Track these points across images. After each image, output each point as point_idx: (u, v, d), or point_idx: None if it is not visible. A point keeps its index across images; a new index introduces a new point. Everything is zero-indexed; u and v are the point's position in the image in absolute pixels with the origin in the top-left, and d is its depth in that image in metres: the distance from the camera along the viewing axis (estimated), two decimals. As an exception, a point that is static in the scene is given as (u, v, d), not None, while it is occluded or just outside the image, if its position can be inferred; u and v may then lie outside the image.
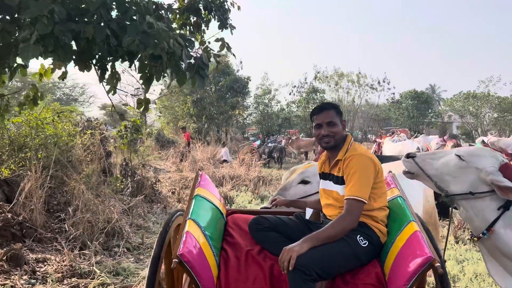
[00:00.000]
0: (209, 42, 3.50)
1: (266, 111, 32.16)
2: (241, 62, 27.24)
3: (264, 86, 32.27)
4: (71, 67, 3.34)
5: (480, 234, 2.40)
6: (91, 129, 8.11)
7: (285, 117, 33.11)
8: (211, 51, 3.34)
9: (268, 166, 17.08)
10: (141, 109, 3.55)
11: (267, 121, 32.13)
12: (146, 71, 3.13)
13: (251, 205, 9.17)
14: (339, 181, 2.41)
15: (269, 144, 19.58)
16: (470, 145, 16.30)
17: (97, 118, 9.52)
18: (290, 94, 33.96)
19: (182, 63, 3.00)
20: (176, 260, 1.94)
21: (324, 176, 2.59)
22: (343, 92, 34.59)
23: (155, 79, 3.17)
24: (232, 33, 4.16)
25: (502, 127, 35.85)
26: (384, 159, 8.37)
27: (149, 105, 3.81)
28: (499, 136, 23.15)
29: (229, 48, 3.58)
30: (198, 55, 3.16)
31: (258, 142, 22.65)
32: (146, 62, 3.06)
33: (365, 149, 2.43)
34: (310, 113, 2.62)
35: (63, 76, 3.85)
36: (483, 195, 2.38)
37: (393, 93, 37.00)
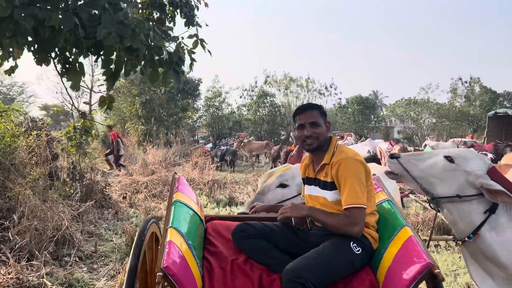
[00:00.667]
0: (182, 38, 3.28)
1: (216, 114, 31.92)
2: (187, 71, 26.80)
3: (215, 88, 32.05)
4: (24, 60, 2.99)
5: (466, 238, 2.39)
6: (36, 129, 7.55)
7: (235, 120, 33.04)
8: (185, 47, 3.13)
9: (220, 169, 16.87)
10: (104, 108, 3.27)
11: (217, 124, 31.90)
12: (112, 66, 2.87)
13: (207, 209, 8.95)
14: (327, 186, 2.29)
15: (221, 147, 19.39)
16: (415, 149, 16.99)
17: (42, 118, 8.90)
18: (241, 97, 33.97)
19: (160, 56, 2.77)
20: (161, 274, 1.75)
21: (308, 181, 2.47)
22: (293, 97, 35.02)
23: (123, 75, 2.91)
24: (197, 31, 3.95)
25: (440, 132, 37.90)
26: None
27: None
28: (437, 141, 24.39)
29: (203, 45, 3.37)
30: (172, 50, 2.94)
31: (210, 145, 22.36)
32: (114, 56, 2.79)
33: (352, 151, 2.34)
34: (293, 113, 2.51)
35: (11, 71, 3.48)
36: (470, 198, 2.37)
37: (340, 99, 38.16)
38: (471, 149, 2.64)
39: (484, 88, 36.43)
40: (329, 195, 2.28)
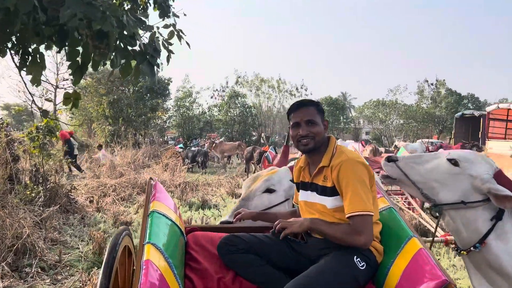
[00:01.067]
0: (157, 28, 2.95)
1: (187, 114, 31.36)
2: (161, 64, 26.20)
3: (185, 88, 31.48)
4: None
5: (471, 248, 2.21)
6: (-6, 130, 7.02)
7: (206, 120, 32.62)
8: (160, 38, 2.81)
9: (192, 171, 16.47)
10: (69, 106, 2.92)
11: (188, 124, 31.35)
12: (78, 58, 2.53)
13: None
14: (326, 191, 2.05)
15: (192, 148, 19.00)
16: (386, 150, 17.12)
17: (1, 118, 8.33)
18: (211, 97, 33.60)
19: (133, 47, 2.45)
20: None
21: (304, 186, 2.23)
22: (264, 97, 34.94)
23: (91, 68, 2.57)
24: (175, 22, 3.61)
25: (407, 132, 38.68)
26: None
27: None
28: (404, 141, 24.82)
29: (180, 37, 3.05)
30: (146, 40, 2.62)
31: (180, 146, 21.88)
32: (81, 47, 2.45)
33: (354, 153, 2.11)
34: (287, 111, 2.26)
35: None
36: (476, 204, 2.19)
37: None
38: (472, 150, 2.46)
39: (449, 90, 37.44)
40: (328, 201, 2.04)
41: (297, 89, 35.13)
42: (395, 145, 19.21)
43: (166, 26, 3.05)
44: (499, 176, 2.20)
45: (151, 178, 2.29)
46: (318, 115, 2.14)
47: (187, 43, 3.08)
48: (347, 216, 1.93)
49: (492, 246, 2.17)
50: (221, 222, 2.52)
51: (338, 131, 38.74)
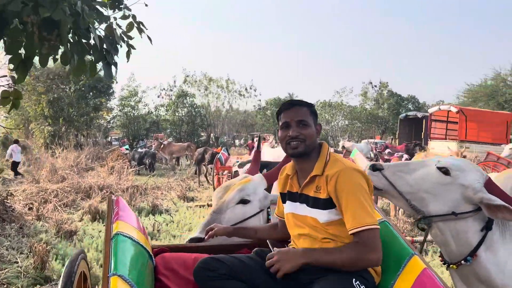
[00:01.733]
0: (115, 18, 2.57)
1: (132, 114, 30.24)
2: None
3: (130, 87, 30.32)
4: None
5: (462, 261, 2.09)
6: None
7: (153, 121, 31.64)
8: (118, 30, 2.45)
9: (138, 173, 15.79)
10: (8, 106, 2.49)
11: (133, 124, 30.23)
12: (21, 51, 2.13)
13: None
14: (319, 204, 1.83)
15: (139, 150, 18.30)
16: (335, 150, 17.37)
17: None
18: (158, 97, 32.63)
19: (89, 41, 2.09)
20: None
21: (292, 196, 1.99)
22: (213, 97, 34.49)
23: (39, 63, 2.17)
24: (128, 16, 3.20)
25: (352, 133, 39.86)
26: (273, 164, 8.21)
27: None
28: (349, 141, 25.47)
29: (140, 30, 2.67)
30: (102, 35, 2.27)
31: (126, 148, 21.00)
32: (24, 38, 2.05)
33: (349, 161, 1.92)
34: (276, 112, 2.02)
35: None
36: (467, 215, 2.07)
37: (260, 100, 38.45)
38: (463, 158, 2.35)
39: (391, 92, 38.97)
40: (321, 215, 1.82)
41: (246, 89, 35.09)
42: (343, 146, 19.59)
43: (124, 17, 2.67)
44: (489, 185, 2.09)
45: (111, 193, 1.97)
46: (310, 117, 1.93)
47: (149, 38, 2.72)
48: (352, 232, 1.72)
49: (482, 258, 2.07)
50: (191, 240, 2.24)
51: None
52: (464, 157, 9.26)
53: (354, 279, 1.69)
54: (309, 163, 1.91)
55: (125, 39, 2.51)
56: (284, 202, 2.07)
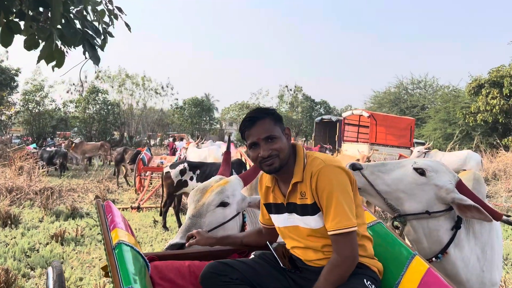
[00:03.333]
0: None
1: (37, 110, 27.89)
2: (7, 52, 22.82)
3: (36, 81, 27.91)
4: None
5: (433, 258, 2.20)
6: None
7: (60, 118, 29.48)
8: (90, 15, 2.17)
9: (48, 174, 14.55)
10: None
11: (38, 121, 27.90)
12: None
13: (44, 223, 7.46)
14: (307, 210, 1.75)
15: (48, 149, 16.89)
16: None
17: None
18: (67, 92, 30.48)
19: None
20: None
21: (278, 208, 1.89)
22: (127, 94, 33.05)
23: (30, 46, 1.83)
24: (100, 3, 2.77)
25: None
26: (206, 165, 8.06)
27: None
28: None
29: (116, 16, 2.38)
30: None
31: (33, 146, 19.25)
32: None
33: (329, 157, 1.85)
34: (239, 127, 1.88)
35: None
36: (439, 214, 2.19)
37: (177, 99, 37.79)
38: (438, 160, 2.48)
39: (305, 96, 40.61)
40: (312, 221, 1.75)
41: (162, 87, 34.23)
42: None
43: (95, 3, 2.35)
44: (459, 186, 2.23)
45: (97, 197, 1.76)
46: (276, 126, 1.81)
47: (127, 25, 2.44)
48: (330, 233, 1.68)
49: (452, 255, 2.20)
50: (171, 246, 2.07)
51: (204, 132, 38.85)
52: (369, 160, 9.91)
53: (365, 280, 1.68)
54: (288, 172, 1.82)
55: (103, 25, 2.23)
56: (269, 212, 1.97)
